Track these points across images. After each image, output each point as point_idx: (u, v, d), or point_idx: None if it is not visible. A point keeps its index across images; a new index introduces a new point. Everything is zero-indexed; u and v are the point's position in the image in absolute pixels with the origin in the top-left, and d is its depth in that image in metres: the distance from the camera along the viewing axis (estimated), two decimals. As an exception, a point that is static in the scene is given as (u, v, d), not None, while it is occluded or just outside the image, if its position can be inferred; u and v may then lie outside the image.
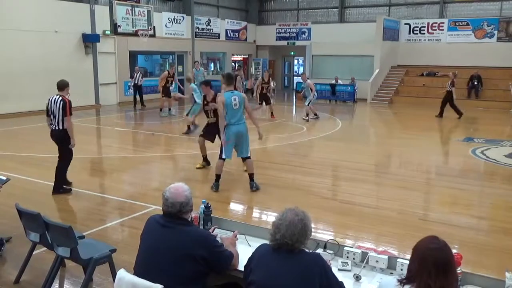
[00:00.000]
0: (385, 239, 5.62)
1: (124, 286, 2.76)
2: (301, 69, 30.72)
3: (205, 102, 8.57)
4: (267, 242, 2.77)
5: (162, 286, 2.65)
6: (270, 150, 10.94)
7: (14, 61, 15.85)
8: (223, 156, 7.40)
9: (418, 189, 7.91)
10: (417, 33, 23.95)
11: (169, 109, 16.76)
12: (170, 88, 16.26)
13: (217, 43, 26.05)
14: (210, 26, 25.36)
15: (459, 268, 2.69)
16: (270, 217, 6.40)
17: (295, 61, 31.15)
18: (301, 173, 8.83)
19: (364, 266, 3.08)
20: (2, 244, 5.00)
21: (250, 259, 2.75)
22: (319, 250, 3.26)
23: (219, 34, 26.07)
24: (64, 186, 7.30)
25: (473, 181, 8.49)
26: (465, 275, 2.83)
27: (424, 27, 23.70)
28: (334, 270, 2.82)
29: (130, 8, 18.52)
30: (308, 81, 16.25)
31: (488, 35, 22.16)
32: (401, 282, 2.33)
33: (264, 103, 16.11)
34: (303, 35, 26.87)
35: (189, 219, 3.09)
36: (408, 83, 23.27)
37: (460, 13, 23.44)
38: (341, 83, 22.60)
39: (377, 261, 3.07)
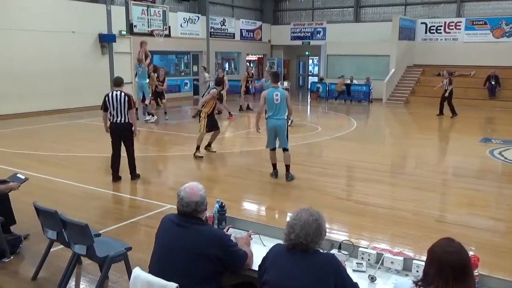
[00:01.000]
0: (400, 240, 5.57)
1: (140, 284, 2.79)
2: (316, 69, 30.65)
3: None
4: (281, 242, 2.77)
5: (177, 285, 2.67)
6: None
7: (32, 61, 16.08)
8: (267, 147, 8.14)
9: (434, 190, 7.83)
10: (433, 33, 23.69)
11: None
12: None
13: (232, 43, 26.10)
14: (225, 26, 25.42)
15: (476, 271, 2.66)
16: (284, 217, 6.40)
17: (310, 61, 31.06)
18: (315, 173, 8.80)
19: (379, 267, 3.06)
20: (20, 242, 5.08)
21: (264, 259, 2.75)
22: (334, 251, 3.25)
23: (234, 34, 26.11)
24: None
25: (490, 182, 8.37)
26: (482, 278, 2.79)
27: (441, 26, 23.43)
28: (349, 271, 2.81)
29: (146, 8, 18.66)
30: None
31: (507, 34, 21.82)
32: (416, 284, 2.31)
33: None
34: (318, 35, 26.77)
35: (204, 219, 3.11)
36: (424, 83, 23.02)
37: (478, 12, 23.11)
38: (356, 83, 22.48)
39: (392, 262, 3.04)
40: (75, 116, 16.16)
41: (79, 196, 7.16)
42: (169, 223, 3.01)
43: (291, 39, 27.84)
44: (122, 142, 7.87)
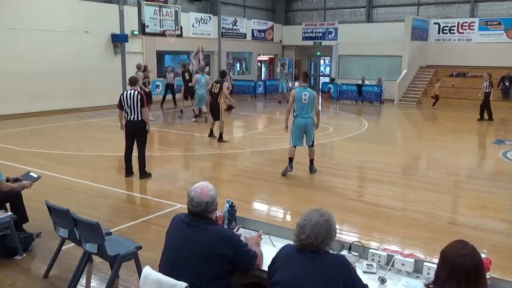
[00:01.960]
0: (411, 242, 5.53)
1: (149, 283, 2.80)
2: (327, 69, 30.56)
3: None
4: (291, 242, 2.76)
5: (187, 284, 2.67)
6: (295, 151, 10.87)
7: (45, 60, 16.26)
8: (291, 144, 8.45)
9: (446, 192, 7.76)
10: (446, 33, 23.48)
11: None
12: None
13: (243, 43, 26.12)
14: (237, 26, 25.45)
15: (488, 274, 2.62)
16: (294, 218, 6.38)
17: (321, 61, 30.97)
18: (326, 173, 8.77)
19: (389, 269, 3.03)
20: (32, 239, 5.13)
21: (274, 259, 2.75)
22: (344, 252, 3.23)
23: (245, 34, 26.14)
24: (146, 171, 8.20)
25: (504, 184, 8.27)
26: (494, 281, 2.76)
27: (454, 26, 23.22)
28: (359, 272, 2.80)
29: (158, 8, 18.75)
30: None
31: (521, 34, 21.57)
32: (428, 286, 2.29)
33: None
34: (330, 35, 26.68)
35: (214, 218, 3.11)
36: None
37: (492, 12, 22.86)
38: (368, 84, 22.37)
39: (403, 264, 3.02)
40: (87, 116, 16.30)
41: (91, 195, 7.22)
42: (179, 223, 3.01)
43: (302, 39, 27.79)
44: (135, 140, 8.07)
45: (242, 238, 3.21)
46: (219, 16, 24.07)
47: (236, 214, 3.75)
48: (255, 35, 26.90)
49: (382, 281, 2.90)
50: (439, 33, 23.65)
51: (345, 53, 25.26)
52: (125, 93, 8.01)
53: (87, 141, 11.90)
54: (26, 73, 15.74)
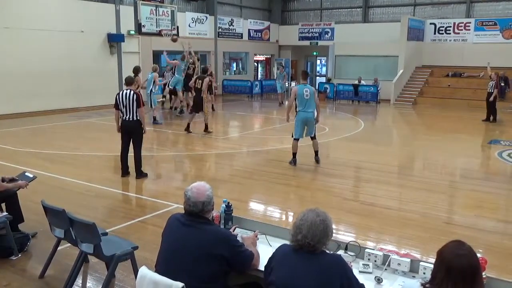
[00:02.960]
0: (407, 242, 5.55)
1: (146, 283, 2.79)
2: (324, 69, 30.60)
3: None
4: (288, 242, 2.76)
5: (183, 284, 2.67)
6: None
7: (41, 60, 16.21)
8: (294, 137, 8.99)
9: (442, 192, 7.78)
10: (442, 33, 23.55)
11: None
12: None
13: (240, 43, 26.12)
14: (233, 26, 25.44)
15: (484, 273, 2.63)
16: (291, 217, 6.40)
17: (318, 61, 31.01)
18: (322, 173, 8.78)
19: (385, 269, 3.04)
20: (28, 240, 5.11)
21: (270, 259, 2.75)
22: (340, 252, 3.24)
23: (242, 34, 26.13)
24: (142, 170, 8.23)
25: (499, 184, 8.30)
26: (489, 280, 2.77)
27: (450, 27, 23.29)
28: (355, 272, 2.80)
29: (154, 8, 18.73)
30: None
31: (517, 35, 21.65)
32: (424, 286, 2.30)
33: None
34: (326, 35, 26.71)
35: (210, 218, 3.11)
36: (433, 84, 22.91)
37: (488, 12, 22.95)
38: (364, 84, 22.41)
39: (399, 264, 3.03)
40: (83, 115, 16.26)
41: (87, 195, 7.20)
42: (176, 223, 3.01)
43: (299, 40, 27.80)
44: (131, 140, 8.07)
45: (238, 238, 3.21)
46: (215, 16, 24.05)
47: (232, 214, 3.75)
48: (252, 35, 26.90)
49: (378, 280, 2.91)
50: (435, 33, 23.72)
51: (341, 53, 25.29)
52: (120, 93, 7.98)
53: (83, 141, 11.86)
54: (21, 73, 15.67)
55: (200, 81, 12.56)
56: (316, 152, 9.30)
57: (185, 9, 22.84)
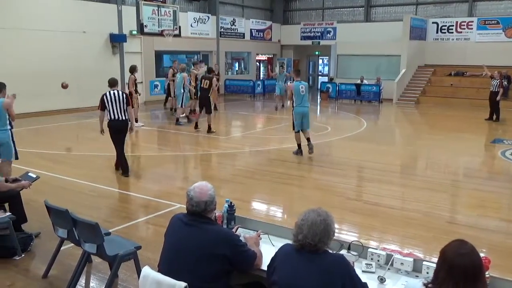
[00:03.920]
0: (410, 242, 5.54)
1: (149, 283, 2.80)
2: (326, 69, 30.57)
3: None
4: (290, 242, 2.76)
5: (186, 284, 2.67)
6: (294, 150, 10.90)
7: (44, 60, 16.23)
8: (295, 130, 9.82)
9: (445, 191, 7.76)
10: (445, 32, 23.50)
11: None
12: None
13: (242, 43, 26.12)
14: (235, 25, 25.45)
15: (487, 273, 2.63)
16: (293, 217, 6.38)
17: (320, 61, 30.98)
18: (325, 173, 8.78)
19: (388, 268, 3.04)
20: (31, 240, 5.12)
21: (273, 259, 2.75)
22: (343, 251, 3.23)
23: (244, 34, 26.13)
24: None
25: (503, 183, 8.28)
26: (493, 280, 2.76)
27: (453, 26, 23.23)
28: (358, 271, 2.80)
29: (156, 8, 18.73)
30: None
31: (519, 34, 21.58)
32: (427, 285, 2.29)
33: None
34: (328, 35, 26.68)
35: (213, 218, 3.11)
36: (435, 83, 22.86)
37: (490, 11, 22.87)
38: (367, 83, 22.39)
39: (402, 263, 3.02)
40: (85, 116, 16.27)
41: (89, 195, 7.22)
42: (178, 223, 3.01)
43: (301, 39, 27.78)
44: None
45: (241, 238, 3.21)
46: (217, 16, 24.06)
47: (235, 214, 3.75)
48: (254, 35, 26.90)
49: (382, 280, 2.91)
50: (437, 32, 23.67)
51: (343, 53, 25.26)
52: (107, 93, 8.00)
53: (85, 141, 11.89)
54: (24, 73, 15.68)
55: (208, 81, 12.68)
56: (309, 139, 9.85)
57: (187, 9, 22.85)
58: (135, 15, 18.45)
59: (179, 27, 19.93)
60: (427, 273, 2.87)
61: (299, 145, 9.90)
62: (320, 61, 30.96)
